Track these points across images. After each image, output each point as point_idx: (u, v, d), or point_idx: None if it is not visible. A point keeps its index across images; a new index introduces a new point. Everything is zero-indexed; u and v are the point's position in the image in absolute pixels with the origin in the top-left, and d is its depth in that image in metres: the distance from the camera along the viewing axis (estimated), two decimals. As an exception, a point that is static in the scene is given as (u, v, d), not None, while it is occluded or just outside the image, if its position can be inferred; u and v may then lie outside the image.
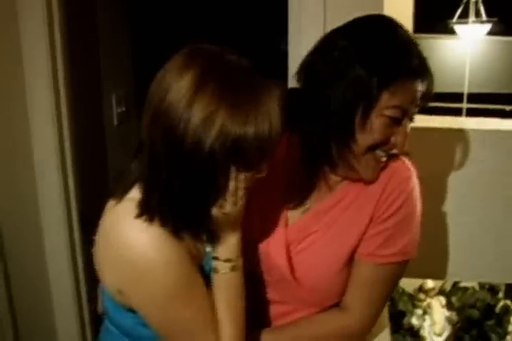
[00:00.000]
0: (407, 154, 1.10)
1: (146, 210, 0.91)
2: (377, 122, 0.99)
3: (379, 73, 0.96)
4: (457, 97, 4.54)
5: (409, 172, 1.11)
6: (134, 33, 2.66)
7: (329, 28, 1.09)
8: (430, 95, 1.01)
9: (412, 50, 1.00)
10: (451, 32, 4.50)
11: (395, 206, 1.07)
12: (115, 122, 2.55)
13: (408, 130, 1.02)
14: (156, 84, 0.88)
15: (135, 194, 0.94)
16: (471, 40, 4.34)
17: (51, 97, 1.80)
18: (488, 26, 4.06)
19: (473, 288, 2.91)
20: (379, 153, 1.03)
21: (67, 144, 1.89)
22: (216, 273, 0.97)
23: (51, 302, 1.96)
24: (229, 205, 0.91)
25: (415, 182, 1.10)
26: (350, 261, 1.10)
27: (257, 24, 3.64)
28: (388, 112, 0.98)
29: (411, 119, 1.02)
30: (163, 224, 0.90)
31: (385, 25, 1.02)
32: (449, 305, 2.96)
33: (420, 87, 0.99)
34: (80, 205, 1.99)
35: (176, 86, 0.84)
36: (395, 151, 1.04)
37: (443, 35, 4.41)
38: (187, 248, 0.94)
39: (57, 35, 1.78)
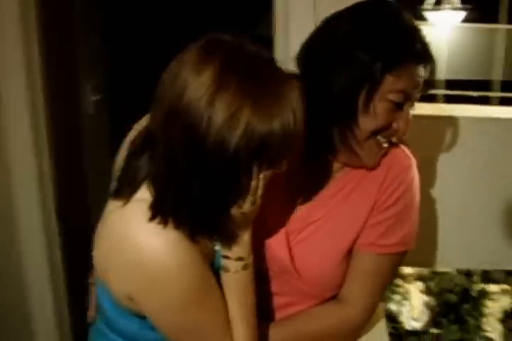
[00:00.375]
0: (406, 144, 1.10)
1: (160, 212, 0.87)
2: (380, 106, 0.98)
3: (383, 57, 0.96)
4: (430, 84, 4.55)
5: (409, 161, 1.10)
6: (107, 21, 2.60)
7: (320, 14, 1.07)
8: (433, 81, 1.00)
9: (415, 35, 1.00)
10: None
11: (396, 195, 1.07)
12: (90, 111, 2.50)
13: (410, 116, 1.01)
14: (169, 79, 0.84)
15: (144, 194, 0.90)
16: (446, 27, 4.36)
17: (26, 87, 1.75)
18: (462, 13, 4.08)
19: (451, 273, 2.95)
20: (381, 138, 1.02)
21: (42, 133, 1.85)
22: (227, 272, 0.96)
23: (29, 308, 1.91)
24: (248, 205, 0.89)
25: (415, 172, 1.10)
26: (350, 251, 1.08)
27: (229, 10, 3.58)
28: (391, 96, 0.98)
29: (412, 105, 1.01)
30: (178, 226, 0.87)
31: (389, 9, 1.02)
32: (427, 291, 2.99)
33: (423, 72, 0.98)
34: (57, 197, 1.94)
35: (195, 83, 0.81)
36: (395, 139, 1.03)
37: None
38: (200, 249, 0.92)
39: (32, 26, 1.73)
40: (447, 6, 4.07)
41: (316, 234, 1.11)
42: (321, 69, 1.01)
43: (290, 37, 1.24)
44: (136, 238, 0.88)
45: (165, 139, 0.85)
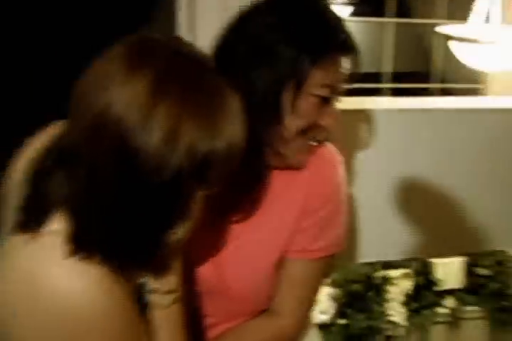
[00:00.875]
0: (332, 140, 1.05)
1: (82, 245, 0.71)
2: (306, 102, 0.92)
3: (308, 50, 0.90)
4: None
5: (336, 159, 1.06)
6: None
7: (229, 8, 1.00)
8: (358, 72, 0.97)
9: (339, 25, 0.95)
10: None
11: (325, 196, 1.02)
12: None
13: (338, 111, 0.97)
14: (92, 87, 0.69)
15: (60, 224, 0.73)
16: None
17: None
18: (350, 8, 4.17)
19: (353, 263, 3.03)
20: (309, 137, 0.97)
21: None
22: (157, 308, 0.82)
23: None
24: (184, 230, 0.75)
25: (342, 170, 1.06)
26: (281, 262, 1.03)
27: (111, 11, 3.37)
28: (318, 91, 0.92)
29: (338, 100, 0.97)
30: (105, 261, 0.72)
31: (310, 0, 0.96)
32: (332, 283, 3.06)
33: (348, 64, 0.94)
34: None
35: (126, 94, 0.67)
36: (321, 137, 0.98)
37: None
38: (128, 285, 0.77)
39: None
40: (336, 0, 4.15)
41: (245, 246, 1.02)
42: (241, 67, 0.92)
43: (197, 34, 1.14)
44: (50, 280, 0.70)
45: (89, 157, 0.69)
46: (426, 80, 3.00)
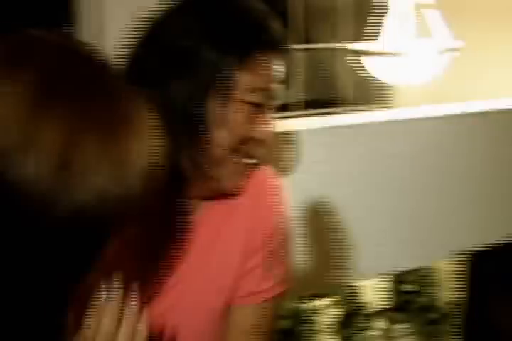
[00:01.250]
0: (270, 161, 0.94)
1: None
2: (236, 112, 0.81)
3: (229, 51, 0.80)
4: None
5: (276, 184, 0.95)
6: None
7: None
8: (292, 74, 0.87)
9: (265, 22, 0.84)
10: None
11: (270, 229, 0.92)
12: None
13: (273, 120, 0.85)
14: None
15: None
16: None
17: None
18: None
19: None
20: (243, 154, 0.84)
21: None
22: None
23: None
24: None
25: (284, 196, 0.95)
26: (225, 310, 0.91)
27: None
28: (249, 97, 0.81)
29: (274, 106, 0.86)
30: None
31: None
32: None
33: (281, 63, 0.84)
34: None
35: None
36: (258, 153, 0.85)
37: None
38: None
39: None
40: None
41: (183, 298, 0.90)
42: (158, 78, 0.81)
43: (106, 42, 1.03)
44: None
45: None
46: (336, 105, 3.03)
